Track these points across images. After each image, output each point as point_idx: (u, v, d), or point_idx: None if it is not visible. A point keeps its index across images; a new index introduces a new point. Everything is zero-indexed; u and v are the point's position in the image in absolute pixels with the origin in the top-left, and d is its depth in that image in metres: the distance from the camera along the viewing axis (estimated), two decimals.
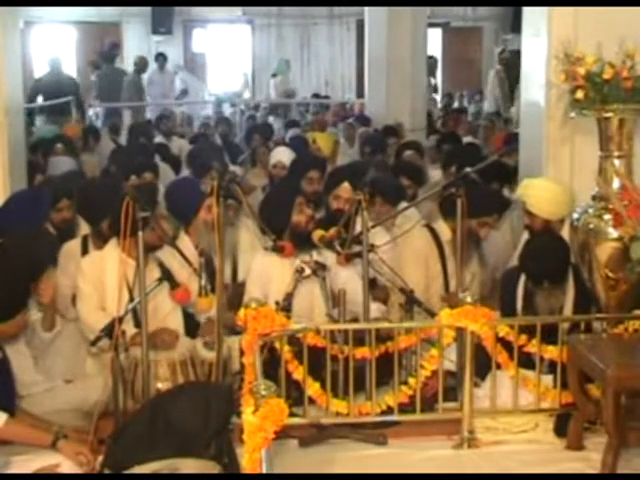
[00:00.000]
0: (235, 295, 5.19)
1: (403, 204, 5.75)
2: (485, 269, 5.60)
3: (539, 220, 5.02)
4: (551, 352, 4.33)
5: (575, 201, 4.86)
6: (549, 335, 4.31)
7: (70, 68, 16.47)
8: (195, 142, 9.72)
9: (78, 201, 5.40)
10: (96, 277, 4.71)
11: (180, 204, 5.33)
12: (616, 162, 4.23)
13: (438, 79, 17.51)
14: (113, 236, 4.75)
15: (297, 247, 4.86)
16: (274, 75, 16.74)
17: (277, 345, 4.24)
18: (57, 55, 12.32)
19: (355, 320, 4.72)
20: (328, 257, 4.89)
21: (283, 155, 7.12)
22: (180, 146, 9.97)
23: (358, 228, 4.74)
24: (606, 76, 4.06)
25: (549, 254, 4.55)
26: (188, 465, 3.55)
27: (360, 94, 14.63)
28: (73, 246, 5.24)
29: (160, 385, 4.31)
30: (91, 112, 13.22)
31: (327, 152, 8.13)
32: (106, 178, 6.79)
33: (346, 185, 5.54)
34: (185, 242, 5.11)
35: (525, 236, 5.19)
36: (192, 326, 4.84)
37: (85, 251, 5.18)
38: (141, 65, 14.19)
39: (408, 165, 7.15)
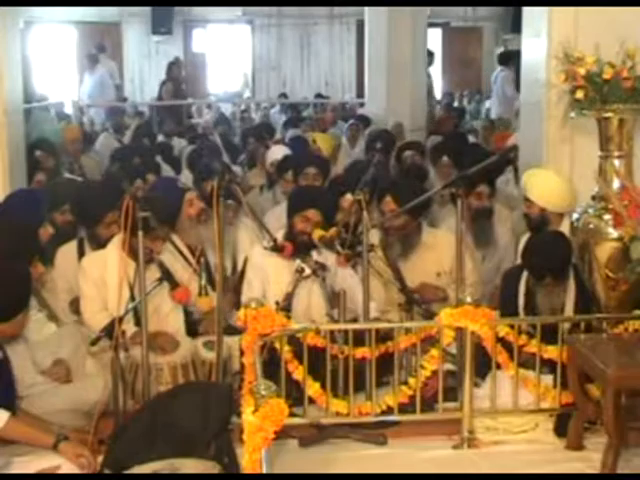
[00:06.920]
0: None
1: None
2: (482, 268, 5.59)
3: (535, 208, 5.09)
4: (551, 352, 4.33)
5: (576, 198, 4.89)
6: (549, 335, 4.31)
7: (70, 68, 16.52)
8: (194, 143, 9.72)
9: (73, 205, 5.38)
10: (98, 276, 4.72)
11: (162, 205, 5.30)
12: (616, 162, 4.23)
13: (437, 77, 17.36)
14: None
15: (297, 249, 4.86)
16: None
17: (277, 345, 4.24)
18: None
19: (355, 320, 4.72)
20: (328, 257, 4.89)
21: (280, 154, 7.12)
22: (180, 146, 9.96)
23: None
24: (606, 76, 4.06)
25: (551, 249, 4.55)
26: (188, 465, 3.55)
27: (360, 94, 14.62)
28: (69, 249, 5.23)
29: (162, 389, 4.31)
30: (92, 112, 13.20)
31: (327, 152, 8.12)
32: (104, 180, 6.78)
33: (348, 197, 5.51)
34: (177, 242, 5.10)
35: (526, 237, 5.18)
36: (193, 324, 4.85)
37: (82, 254, 5.16)
38: None
39: (411, 166, 7.16)
